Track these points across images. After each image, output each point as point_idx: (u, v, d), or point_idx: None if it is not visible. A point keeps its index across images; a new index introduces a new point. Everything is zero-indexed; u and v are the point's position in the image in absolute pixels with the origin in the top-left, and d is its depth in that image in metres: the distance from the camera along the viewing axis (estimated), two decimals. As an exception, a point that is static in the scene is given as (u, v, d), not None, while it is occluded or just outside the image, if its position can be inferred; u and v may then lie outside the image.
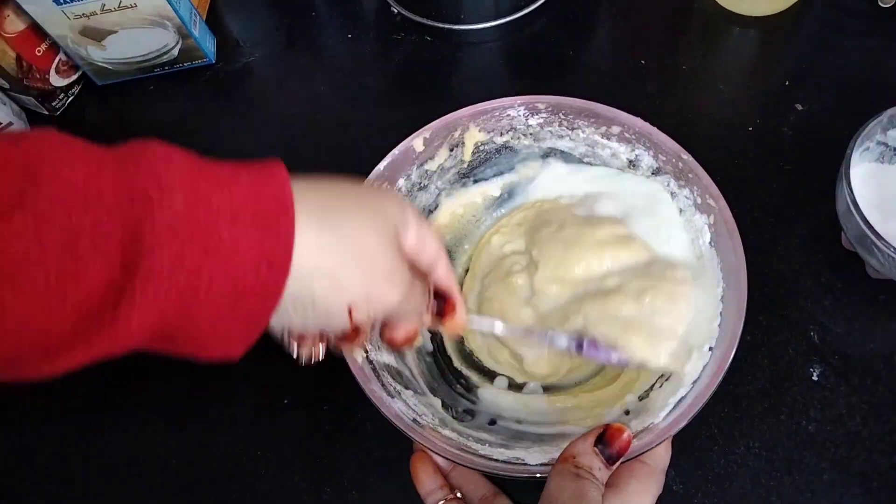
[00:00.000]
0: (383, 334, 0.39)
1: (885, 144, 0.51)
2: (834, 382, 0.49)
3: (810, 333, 0.51)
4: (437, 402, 0.47)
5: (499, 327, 0.44)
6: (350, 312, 0.31)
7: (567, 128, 0.50)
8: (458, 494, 0.43)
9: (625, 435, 0.35)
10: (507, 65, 0.68)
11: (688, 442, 0.48)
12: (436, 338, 0.52)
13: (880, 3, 0.64)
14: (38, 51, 0.64)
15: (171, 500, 0.49)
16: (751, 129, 0.59)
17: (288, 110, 0.66)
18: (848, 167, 0.47)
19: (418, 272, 0.36)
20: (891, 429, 0.47)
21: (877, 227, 0.45)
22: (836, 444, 0.47)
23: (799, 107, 0.60)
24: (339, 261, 0.30)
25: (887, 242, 0.44)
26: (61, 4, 0.58)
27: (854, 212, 0.46)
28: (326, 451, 0.50)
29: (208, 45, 0.68)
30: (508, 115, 0.50)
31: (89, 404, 0.53)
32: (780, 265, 0.53)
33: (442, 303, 0.39)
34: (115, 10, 0.60)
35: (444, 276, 0.39)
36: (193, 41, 0.65)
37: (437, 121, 0.49)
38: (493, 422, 0.47)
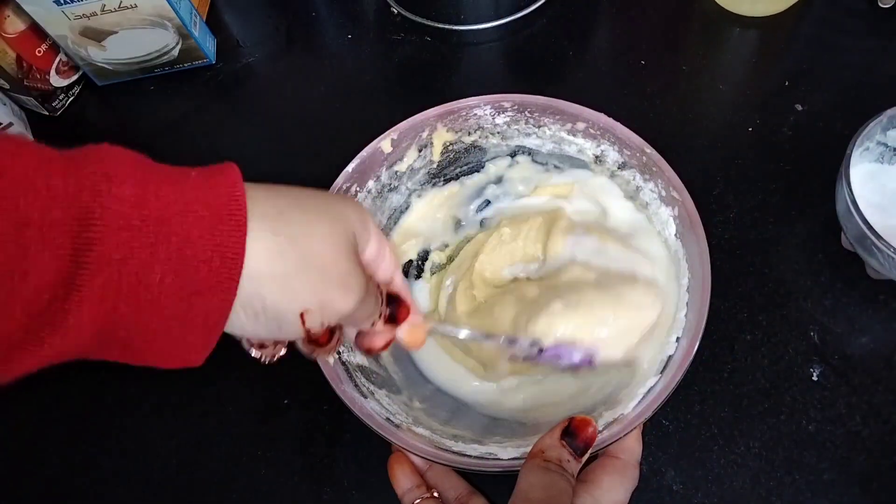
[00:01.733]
0: (357, 342, 0.38)
1: (885, 145, 0.51)
2: (834, 382, 0.49)
3: (810, 333, 0.51)
4: (412, 400, 0.47)
5: (462, 333, 0.43)
6: (303, 319, 0.31)
7: (534, 125, 0.50)
8: (435, 494, 0.43)
9: (590, 427, 0.36)
10: (506, 65, 0.68)
11: (688, 442, 0.48)
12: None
13: (880, 4, 0.64)
14: (39, 51, 0.64)
15: (171, 500, 0.49)
16: (751, 129, 0.59)
17: (288, 110, 0.66)
18: (848, 167, 0.47)
19: (372, 281, 0.36)
20: (891, 429, 0.47)
21: (877, 227, 0.45)
22: (836, 444, 0.47)
23: (799, 107, 0.60)
24: (292, 266, 0.29)
25: (887, 242, 0.44)
26: (61, 5, 0.58)
27: (854, 212, 0.46)
28: (326, 451, 0.50)
29: (208, 45, 0.68)
30: (475, 114, 0.50)
31: (89, 405, 0.53)
32: (780, 265, 0.53)
33: (395, 307, 0.37)
34: (116, 11, 0.60)
35: (399, 284, 0.38)
36: (193, 41, 0.65)
37: (404, 122, 0.49)
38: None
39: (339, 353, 0.44)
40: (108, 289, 0.24)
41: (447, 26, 0.67)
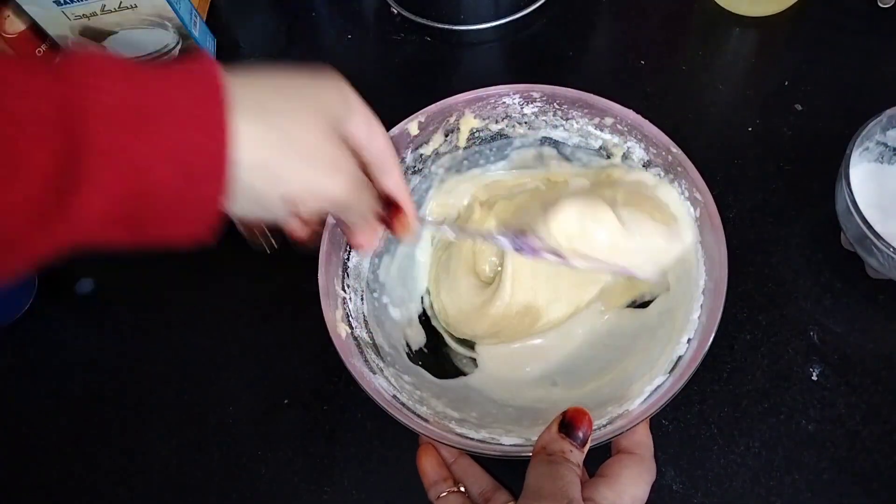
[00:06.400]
0: (350, 239, 0.40)
1: (885, 144, 0.51)
2: (834, 382, 0.49)
3: (810, 333, 0.51)
4: (419, 376, 0.48)
5: (448, 231, 0.45)
6: (292, 204, 0.32)
7: (561, 118, 0.51)
8: (462, 488, 0.43)
9: (585, 416, 0.36)
10: (506, 65, 0.68)
11: (688, 442, 0.48)
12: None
13: (880, 4, 0.64)
14: (39, 51, 0.64)
15: (172, 500, 0.49)
16: (751, 129, 0.59)
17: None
18: (847, 167, 0.47)
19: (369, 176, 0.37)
20: (891, 429, 0.47)
21: (876, 227, 0.45)
22: (836, 444, 0.47)
23: (799, 107, 0.60)
24: (278, 153, 0.30)
25: (887, 242, 0.44)
26: (62, 5, 0.58)
27: (853, 212, 0.46)
28: (326, 451, 0.50)
29: (208, 45, 0.68)
30: (504, 102, 0.50)
31: (89, 405, 0.53)
32: (780, 265, 0.53)
33: (391, 212, 0.39)
34: (116, 11, 0.60)
35: (395, 182, 0.38)
36: (193, 41, 0.65)
37: (433, 105, 0.49)
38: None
39: (351, 328, 0.45)
40: (107, 181, 0.25)
41: (447, 26, 0.67)
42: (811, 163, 0.57)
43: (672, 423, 0.48)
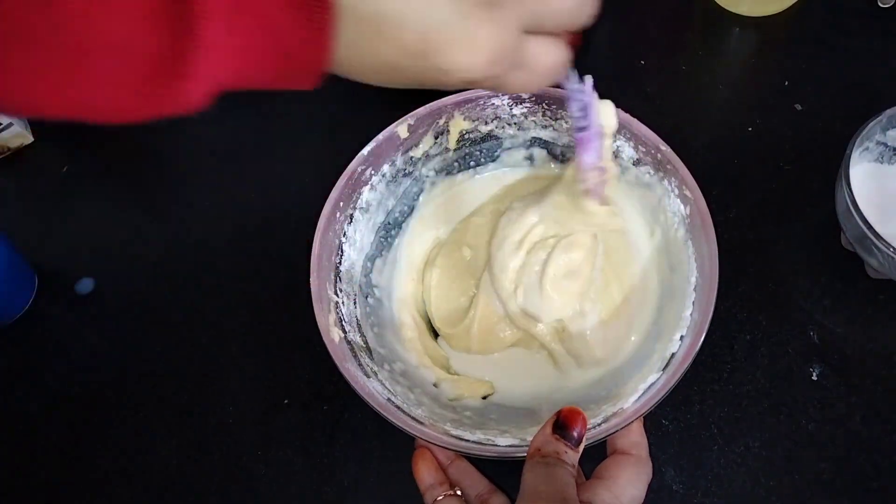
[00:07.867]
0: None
1: (885, 144, 0.51)
2: (834, 382, 0.49)
3: (810, 333, 0.51)
4: (413, 382, 0.48)
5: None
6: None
7: (550, 118, 0.51)
8: (458, 492, 0.43)
9: (579, 416, 0.36)
10: (507, 65, 0.68)
11: (688, 442, 0.48)
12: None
13: (880, 4, 0.64)
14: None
15: (172, 500, 0.50)
16: (751, 129, 0.59)
17: (288, 111, 0.66)
18: (847, 167, 0.47)
19: None
20: (891, 429, 0.47)
21: (876, 227, 0.45)
22: (836, 444, 0.47)
23: (799, 107, 0.60)
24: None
25: (887, 242, 0.44)
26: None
27: (853, 212, 0.46)
28: (326, 451, 0.50)
29: (208, 45, 0.68)
30: (493, 104, 0.50)
31: (89, 405, 0.53)
32: (780, 265, 0.53)
33: None
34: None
35: None
36: (193, 41, 0.65)
37: (422, 108, 0.49)
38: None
39: (344, 332, 0.45)
40: (209, 71, 0.26)
41: (447, 26, 0.67)
42: (811, 163, 0.57)
43: (672, 423, 0.49)
